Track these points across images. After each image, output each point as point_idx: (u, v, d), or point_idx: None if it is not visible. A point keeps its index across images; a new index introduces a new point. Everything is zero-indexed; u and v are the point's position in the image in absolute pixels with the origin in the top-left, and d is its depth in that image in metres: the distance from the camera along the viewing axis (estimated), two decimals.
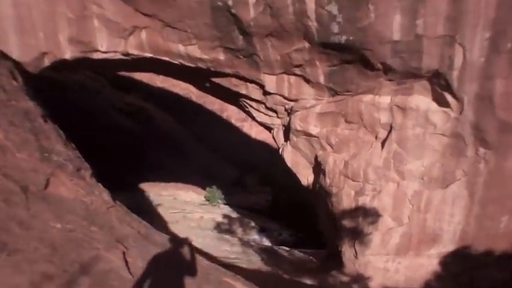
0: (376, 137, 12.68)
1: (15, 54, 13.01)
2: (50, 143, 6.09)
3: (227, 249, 17.87)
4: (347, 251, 13.37)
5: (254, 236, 23.58)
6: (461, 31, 10.37)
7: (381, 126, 12.46)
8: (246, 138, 40.24)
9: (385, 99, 12.17)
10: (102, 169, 27.56)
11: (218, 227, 24.17)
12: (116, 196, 22.04)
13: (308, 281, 13.39)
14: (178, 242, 6.59)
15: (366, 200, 12.78)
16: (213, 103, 39.51)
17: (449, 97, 11.31)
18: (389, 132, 12.30)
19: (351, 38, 10.86)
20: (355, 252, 13.04)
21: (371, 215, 12.70)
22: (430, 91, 11.57)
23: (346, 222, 13.27)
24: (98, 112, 34.56)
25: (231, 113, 39.64)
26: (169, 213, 26.30)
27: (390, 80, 11.69)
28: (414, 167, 12.12)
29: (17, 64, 13.48)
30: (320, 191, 14.09)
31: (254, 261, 16.08)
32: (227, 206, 30.38)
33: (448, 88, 11.16)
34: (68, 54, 13.13)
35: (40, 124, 6.28)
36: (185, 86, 35.30)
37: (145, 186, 32.44)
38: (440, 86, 11.29)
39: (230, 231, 23.77)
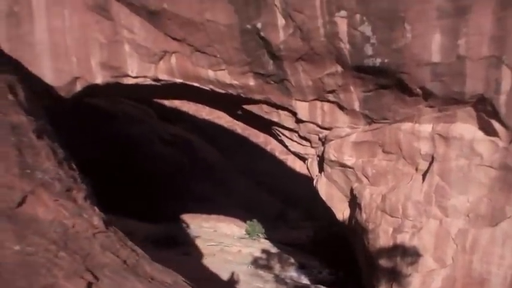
0: (416, 169, 11.66)
1: (48, 78, 13.12)
2: (36, 159, 5.68)
3: (259, 285, 16.99)
4: None
5: (292, 273, 22.46)
6: (509, 51, 9.38)
7: (422, 157, 11.45)
8: (290, 171, 39.39)
9: (425, 128, 11.20)
10: (144, 199, 27.50)
11: (255, 262, 23.28)
12: (155, 226, 21.73)
13: None
14: (171, 275, 5.94)
15: (405, 238, 11.67)
16: (257, 136, 39.11)
17: (496, 125, 10.23)
18: (431, 163, 11.26)
19: (386, 60, 10.12)
20: None
21: (410, 254, 11.56)
22: (475, 118, 10.53)
23: (383, 262, 12.16)
24: (143, 142, 34.93)
25: (275, 146, 39.02)
26: (207, 246, 25.74)
27: (431, 107, 10.77)
28: (458, 202, 10.97)
29: (50, 88, 13.60)
30: (356, 227, 13.08)
31: None
32: (267, 241, 29.46)
33: (495, 115, 10.10)
34: (100, 79, 13.10)
35: (30, 140, 5.90)
36: (230, 119, 35.29)
37: (187, 217, 32.15)
38: (487, 112, 10.24)
39: (267, 267, 22.82)
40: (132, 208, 30.83)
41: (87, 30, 12.75)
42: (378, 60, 10.14)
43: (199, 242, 26.25)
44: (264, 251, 25.67)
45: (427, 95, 10.42)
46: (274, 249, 26.99)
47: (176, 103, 41.12)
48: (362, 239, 12.88)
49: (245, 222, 31.29)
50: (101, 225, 5.83)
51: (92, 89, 13.69)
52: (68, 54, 13.08)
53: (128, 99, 28.51)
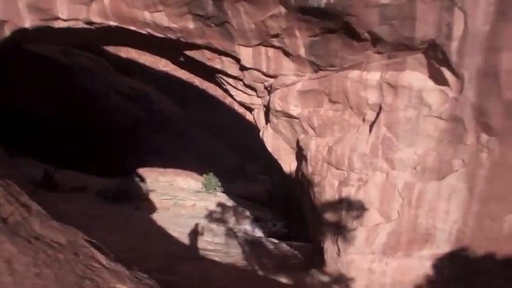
0: (363, 120, 11.08)
1: None
2: None
3: (207, 239, 16.58)
4: (329, 247, 11.85)
5: (246, 226, 22.23)
6: None
7: (369, 107, 10.83)
8: (249, 124, 38.73)
9: (373, 76, 10.54)
10: (100, 153, 26.53)
11: (209, 216, 22.94)
12: (109, 181, 20.91)
13: (284, 280, 11.94)
14: (69, 234, 5.19)
15: (350, 192, 11.21)
16: (215, 88, 38.09)
17: (447, 73, 9.60)
18: (378, 114, 10.67)
19: (331, 1, 9.27)
20: (338, 249, 11.50)
21: (356, 208, 11.13)
22: (425, 66, 9.90)
23: (329, 216, 11.75)
24: (99, 94, 33.64)
25: None
26: (161, 200, 25.30)
27: (379, 53, 10.07)
28: (405, 155, 10.48)
29: None
30: (302, 180, 12.58)
31: (232, 255, 14.75)
32: (224, 194, 29.19)
33: (446, 62, 9.46)
34: (28, 22, 11.91)
35: None
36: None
37: (143, 171, 31.55)
38: (437, 60, 9.60)
39: (221, 221, 22.49)
40: (88, 163, 29.96)
41: None
42: (323, 1, 9.28)
43: (153, 196, 25.84)
44: (219, 204, 25.43)
45: (375, 40, 9.69)
46: (230, 203, 26.79)
47: (133, 54, 39.59)
48: (308, 192, 12.41)
49: (202, 176, 30.93)
50: None
51: (21, 34, 12.45)
52: None
53: (63, 45, 27.01)
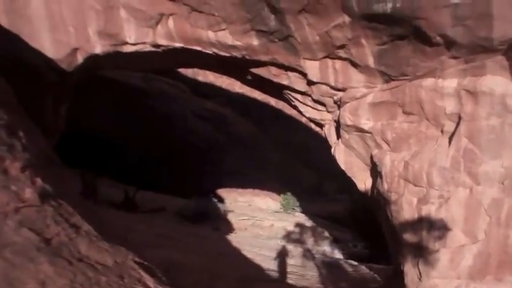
0: (441, 131, 10.19)
1: (48, 51, 12.59)
2: None
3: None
4: (410, 270, 10.95)
5: (325, 247, 21.54)
6: None
7: (447, 117, 9.94)
8: (326, 143, 38.04)
9: (450, 83, 9.66)
10: (179, 174, 27.25)
11: (287, 237, 22.56)
12: (187, 202, 21.28)
13: None
14: (118, 256, 5.03)
15: (430, 210, 10.31)
16: (291, 108, 38.04)
17: None
18: (458, 124, 9.75)
19: (398, 4, 8.67)
20: (419, 273, 10.57)
21: (437, 228, 10.20)
22: (507, 69, 8.90)
23: (408, 236, 10.88)
24: (176, 118, 34.68)
25: None
26: (239, 220, 25.27)
27: (455, 58, 9.23)
28: (491, 168, 9.46)
29: (51, 62, 13.02)
30: (378, 198, 11.82)
31: (308, 277, 14.21)
32: (302, 214, 28.64)
33: None
34: (99, 48, 12.42)
35: None
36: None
37: (222, 192, 31.86)
38: None
39: (299, 241, 22.00)
40: (166, 184, 30.79)
41: None
42: (389, 5, 8.70)
43: (231, 217, 25.90)
44: (297, 224, 24.96)
45: (449, 43, 8.90)
46: (308, 223, 26.23)
47: (210, 77, 40.52)
48: (385, 211, 11.62)
49: (280, 196, 30.65)
50: (32, 199, 5.00)
51: (93, 60, 13.04)
52: (65, 24, 12.44)
53: (133, 70, 28.22)
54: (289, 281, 13.16)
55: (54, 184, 6.05)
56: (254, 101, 39.23)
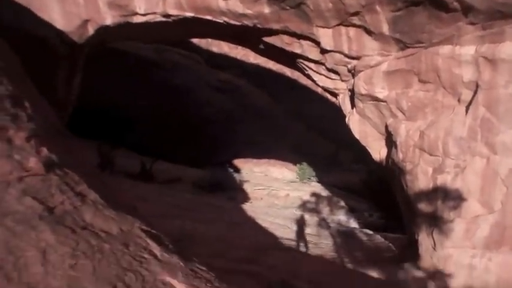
0: (458, 100, 9.94)
1: (59, 24, 12.50)
2: None
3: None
4: (424, 240, 10.89)
5: (340, 217, 21.57)
6: None
7: (464, 85, 9.68)
8: (342, 113, 37.68)
9: (467, 50, 9.36)
10: (194, 145, 27.38)
11: (303, 206, 22.64)
12: (203, 172, 21.42)
13: (374, 274, 11.19)
14: (124, 223, 5.04)
15: (446, 179, 10.16)
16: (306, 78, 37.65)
17: None
18: (475, 92, 9.50)
19: None
20: (434, 242, 10.51)
21: (453, 198, 10.07)
22: None
23: (423, 206, 10.78)
24: (191, 89, 34.62)
25: None
26: (254, 190, 25.38)
27: (472, 24, 8.92)
28: (508, 137, 9.22)
29: (62, 34, 12.97)
30: (393, 168, 11.69)
31: (322, 246, 14.21)
32: (319, 184, 28.63)
33: None
34: (109, 19, 12.32)
35: None
36: None
37: (238, 162, 31.99)
38: None
39: (315, 211, 22.06)
40: (182, 155, 30.98)
41: None
42: None
43: (247, 187, 26.03)
44: (313, 194, 25.00)
45: (466, 9, 8.58)
46: (324, 193, 26.24)
47: (224, 48, 40.15)
48: (400, 181, 11.50)
49: (296, 166, 30.64)
50: (37, 168, 4.98)
51: (104, 32, 12.96)
52: None
53: (144, 41, 28.10)
54: (303, 250, 13.18)
55: (61, 154, 6.05)
56: (269, 71, 38.85)
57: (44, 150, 5.53)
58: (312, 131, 36.60)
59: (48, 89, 13.79)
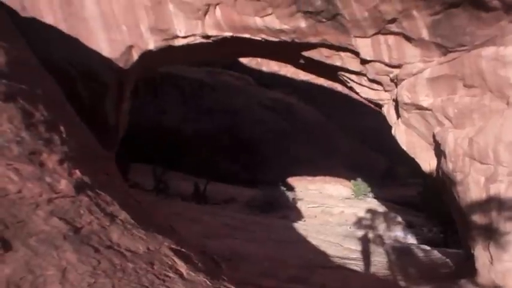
0: (507, 103, 9.39)
1: (105, 51, 13.00)
2: None
3: (351, 247, 15.74)
4: (480, 254, 10.25)
5: (397, 233, 20.86)
6: None
7: None
8: None
9: None
10: (247, 165, 27.59)
11: (358, 223, 22.10)
12: (256, 191, 21.48)
13: None
14: (153, 243, 5.06)
15: (500, 189, 9.56)
16: None
17: None
18: None
19: None
20: (490, 256, 9.87)
21: (508, 208, 9.44)
22: None
23: (477, 218, 10.18)
24: (243, 109, 35.03)
25: None
26: (308, 208, 25.11)
27: None
28: None
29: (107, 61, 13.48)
30: (444, 179, 11.16)
31: (375, 263, 13.72)
32: (374, 200, 27.92)
33: None
34: (152, 44, 12.68)
35: None
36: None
37: (292, 180, 31.87)
38: None
39: (371, 227, 21.48)
40: (236, 175, 31.23)
41: None
42: None
43: (301, 205, 25.84)
44: (368, 210, 24.43)
45: (507, 7, 8.15)
46: (380, 208, 25.58)
47: (274, 67, 40.43)
48: (451, 192, 10.95)
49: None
50: (67, 190, 5.13)
51: (147, 56, 13.32)
52: (118, 23, 12.80)
53: (186, 63, 28.61)
54: (354, 267, 12.78)
55: (95, 176, 6.20)
56: (320, 87, 38.62)
57: (77, 173, 5.69)
58: (367, 146, 35.87)
59: (99, 115, 14.36)
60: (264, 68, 41.05)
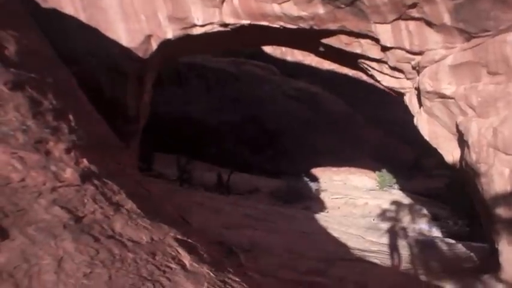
0: None
1: (124, 41, 13.00)
2: None
3: (372, 240, 15.47)
4: (504, 249, 9.87)
5: (422, 225, 20.44)
6: None
7: None
8: None
9: None
10: (272, 155, 27.48)
11: (382, 215, 21.73)
12: (280, 182, 21.37)
13: (449, 286, 10.32)
14: (158, 233, 4.96)
15: None
16: None
17: None
18: None
19: None
20: None
21: None
22: None
23: (502, 211, 9.80)
24: (268, 99, 34.84)
25: None
26: (332, 199, 24.85)
27: None
28: None
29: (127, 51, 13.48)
30: (468, 170, 10.77)
31: (397, 256, 13.41)
32: (400, 192, 27.40)
33: None
34: (170, 33, 12.64)
35: None
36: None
37: (317, 171, 31.56)
38: None
39: (395, 219, 21.11)
40: (260, 165, 31.12)
41: None
42: None
43: (324, 196, 25.59)
44: (393, 202, 24.01)
45: None
46: (405, 200, 25.10)
47: (298, 57, 40.02)
48: (475, 184, 10.56)
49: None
50: (72, 179, 5.06)
51: (166, 46, 13.28)
52: (136, 12, 12.77)
53: (205, 53, 28.45)
54: (375, 260, 12.52)
55: (103, 165, 6.14)
56: (345, 77, 38.01)
57: (84, 162, 5.63)
58: (392, 137, 35.21)
59: (119, 105, 14.41)
60: (289, 58, 40.67)
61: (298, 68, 39.64)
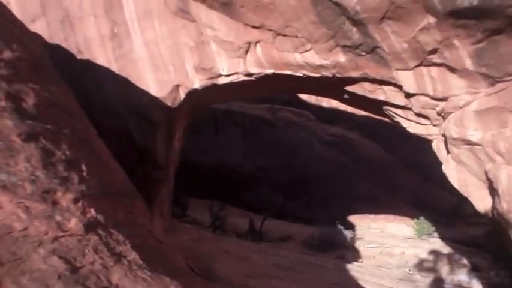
0: None
1: (153, 91, 13.45)
2: (7, 162, 5.25)
3: None
4: None
5: (461, 276, 19.45)
6: None
7: None
8: None
9: None
10: (308, 202, 27.21)
11: (419, 265, 20.91)
12: (315, 229, 21.03)
13: None
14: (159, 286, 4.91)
15: None
16: None
17: None
18: None
19: None
20: None
21: None
22: None
23: None
24: (303, 145, 34.86)
25: None
26: (367, 248, 24.15)
27: None
28: None
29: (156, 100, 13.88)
30: (499, 220, 10.28)
31: None
32: (439, 240, 26.34)
33: None
34: (197, 83, 13.04)
35: (8, 142, 5.53)
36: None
37: (353, 218, 30.92)
38: None
39: (433, 270, 20.24)
40: (294, 212, 30.78)
41: (176, 37, 12.75)
42: None
43: (359, 244, 24.92)
44: (431, 251, 23.05)
45: None
46: (444, 250, 24.03)
47: (333, 103, 40.04)
48: (508, 235, 10.05)
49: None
50: (75, 229, 5.12)
51: (194, 95, 13.63)
52: (165, 63, 13.25)
53: (229, 101, 28.94)
54: None
55: (112, 214, 6.20)
56: (380, 121, 37.61)
57: (91, 211, 5.71)
58: (430, 183, 34.24)
59: (149, 151, 14.71)
60: (324, 104, 40.79)
61: (334, 114, 39.59)
